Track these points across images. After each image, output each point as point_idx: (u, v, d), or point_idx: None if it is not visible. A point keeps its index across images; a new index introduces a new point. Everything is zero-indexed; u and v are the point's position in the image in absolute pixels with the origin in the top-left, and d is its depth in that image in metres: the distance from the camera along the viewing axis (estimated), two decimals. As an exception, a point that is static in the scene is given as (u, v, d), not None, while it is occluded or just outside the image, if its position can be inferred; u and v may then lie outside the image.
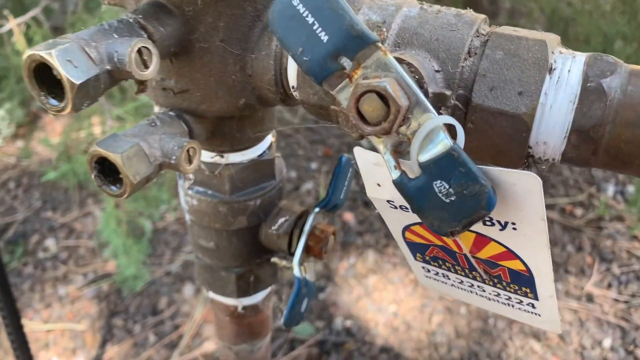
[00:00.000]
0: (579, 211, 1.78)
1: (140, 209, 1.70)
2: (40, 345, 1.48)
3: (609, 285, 1.57)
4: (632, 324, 1.47)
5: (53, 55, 0.30)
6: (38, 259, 1.73)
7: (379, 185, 0.35)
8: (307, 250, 0.49)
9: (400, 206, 0.36)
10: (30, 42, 1.88)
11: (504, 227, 0.33)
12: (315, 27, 0.30)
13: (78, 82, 0.31)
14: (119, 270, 1.58)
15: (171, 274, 1.66)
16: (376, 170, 0.34)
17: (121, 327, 1.53)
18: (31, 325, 1.53)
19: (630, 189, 1.82)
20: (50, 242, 1.78)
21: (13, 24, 1.81)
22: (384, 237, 1.71)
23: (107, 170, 0.37)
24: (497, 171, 0.30)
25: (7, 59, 1.91)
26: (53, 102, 0.32)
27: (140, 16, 0.35)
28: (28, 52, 0.31)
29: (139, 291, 1.61)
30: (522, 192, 0.30)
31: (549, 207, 1.78)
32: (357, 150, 0.34)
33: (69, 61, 0.31)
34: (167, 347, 1.47)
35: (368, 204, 1.81)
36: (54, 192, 1.95)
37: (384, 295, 1.56)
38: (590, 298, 1.54)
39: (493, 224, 0.33)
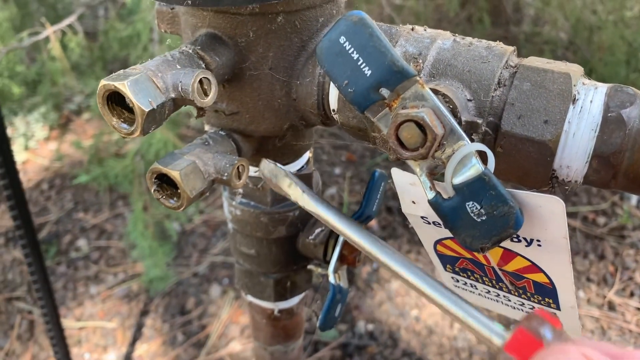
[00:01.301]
0: (601, 219, 1.78)
1: (168, 212, 1.75)
2: (73, 342, 1.54)
3: (631, 294, 1.58)
4: (654, 333, 1.48)
5: (126, 85, 0.34)
6: (70, 258, 1.79)
7: (413, 202, 0.39)
8: (341, 259, 0.52)
9: (434, 222, 0.39)
10: (65, 48, 1.95)
11: (529, 243, 0.36)
12: (359, 63, 0.34)
13: (148, 109, 0.35)
14: (146, 271, 1.63)
15: (198, 275, 1.70)
16: (412, 189, 0.38)
17: (150, 326, 1.58)
18: (65, 323, 1.59)
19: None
20: (82, 243, 1.84)
21: (50, 31, 1.88)
22: (407, 242, 1.73)
23: (165, 185, 0.41)
24: (524, 194, 0.33)
25: (44, 65, 1.98)
26: (124, 126, 0.36)
27: (199, 47, 0.39)
28: (103, 82, 0.35)
29: (168, 291, 1.66)
30: (546, 213, 0.33)
31: (571, 215, 1.78)
32: (395, 171, 0.37)
33: (140, 90, 0.35)
34: (195, 346, 1.52)
35: (391, 209, 1.84)
36: (85, 193, 2.02)
37: (406, 300, 1.59)
38: (612, 306, 1.55)
39: (520, 241, 0.36)
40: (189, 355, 1.50)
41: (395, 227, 1.78)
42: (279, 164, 0.42)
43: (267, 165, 0.42)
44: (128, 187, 1.65)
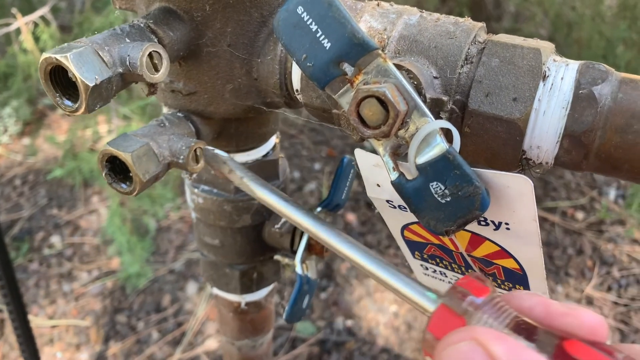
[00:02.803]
0: (580, 214, 1.79)
1: (145, 207, 1.72)
2: (44, 341, 1.50)
3: (609, 289, 1.58)
4: (631, 327, 1.48)
5: (69, 58, 0.32)
6: (43, 255, 1.75)
7: (378, 185, 0.37)
8: (308, 248, 0.50)
9: (399, 206, 0.37)
10: (37, 40, 1.90)
11: (497, 227, 0.34)
12: (318, 35, 0.32)
13: (92, 84, 0.32)
14: (123, 267, 1.60)
15: (175, 272, 1.67)
16: (376, 172, 0.36)
17: (125, 324, 1.55)
18: (36, 321, 1.55)
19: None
20: (55, 239, 1.79)
21: (21, 22, 1.83)
22: (386, 238, 1.72)
23: (117, 169, 0.38)
24: (490, 174, 0.31)
25: (15, 57, 1.93)
26: (68, 103, 0.34)
27: (151, 21, 0.37)
28: (44, 55, 0.33)
29: (143, 288, 1.62)
30: (514, 194, 0.31)
31: (550, 210, 1.79)
32: (358, 152, 0.36)
33: (83, 64, 0.32)
34: (170, 344, 1.49)
35: (371, 205, 1.82)
36: (59, 189, 1.97)
37: (385, 296, 1.57)
38: (590, 301, 1.55)
39: (487, 224, 0.34)
40: (164, 353, 1.47)
41: (374, 223, 1.76)
42: (217, 150, 0.40)
43: (207, 152, 0.40)
44: (103, 181, 1.61)
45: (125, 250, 1.59)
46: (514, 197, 0.32)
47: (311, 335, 1.49)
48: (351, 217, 1.77)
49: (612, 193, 1.85)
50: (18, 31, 1.88)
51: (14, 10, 1.86)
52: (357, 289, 1.59)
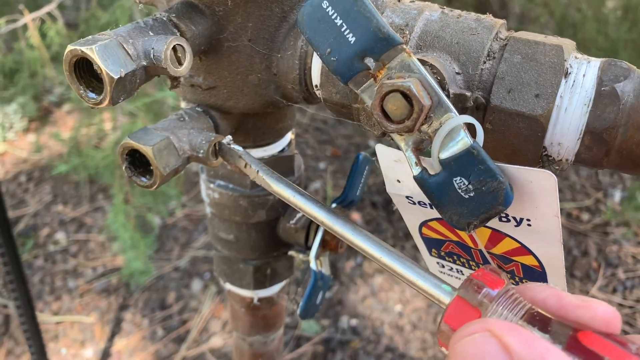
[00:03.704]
0: (585, 216, 1.79)
1: (149, 204, 1.72)
2: (49, 337, 1.50)
3: (614, 290, 1.58)
4: (636, 329, 1.48)
5: (94, 50, 0.32)
6: (48, 252, 1.75)
7: (398, 181, 0.37)
8: (323, 244, 0.50)
9: (419, 202, 0.37)
10: (44, 37, 1.91)
11: (519, 223, 0.34)
12: (343, 29, 0.32)
13: (117, 77, 0.32)
14: (126, 264, 1.60)
15: (180, 270, 1.67)
16: (397, 167, 0.36)
17: (129, 321, 1.55)
18: (41, 317, 1.55)
19: None
20: (60, 236, 1.80)
21: (28, 18, 1.83)
22: (391, 237, 1.72)
23: (137, 162, 0.38)
24: (514, 169, 0.31)
25: (21, 54, 1.94)
26: (92, 95, 0.34)
27: (174, 15, 0.37)
28: (70, 47, 0.33)
29: (148, 286, 1.63)
30: (537, 189, 0.31)
31: (555, 211, 1.79)
32: (379, 147, 0.36)
33: (109, 56, 0.33)
34: (175, 341, 1.49)
35: (375, 204, 1.82)
36: (64, 186, 1.98)
37: (390, 295, 1.57)
38: (595, 302, 1.55)
39: (509, 220, 0.34)
40: (169, 350, 1.47)
41: (379, 222, 1.77)
42: (233, 144, 0.40)
43: (223, 146, 0.40)
44: (109, 178, 1.61)
45: (129, 247, 1.59)
46: (536, 192, 0.32)
47: (316, 334, 1.49)
48: (356, 216, 1.77)
49: (617, 195, 1.85)
50: (25, 27, 1.89)
51: (20, 7, 1.86)
52: (361, 288, 1.59)
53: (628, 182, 1.89)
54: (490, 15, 0.37)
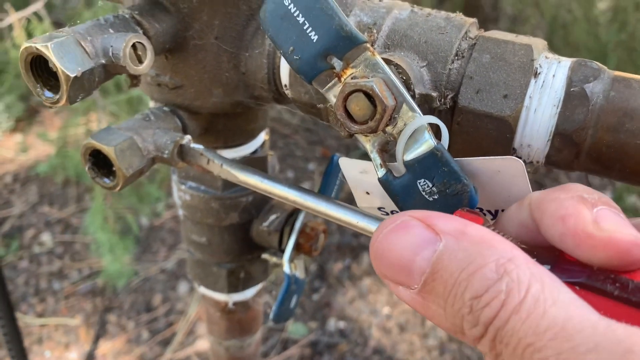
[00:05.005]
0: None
1: (130, 206, 1.70)
2: (33, 339, 1.49)
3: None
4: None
5: (50, 48, 0.31)
6: (33, 253, 1.73)
7: (367, 193, 0.36)
8: (297, 247, 0.49)
9: (392, 211, 0.36)
10: (30, 36, 1.89)
11: (495, 215, 0.33)
12: (305, 27, 0.31)
13: (73, 75, 0.31)
14: (105, 266, 1.58)
15: (166, 272, 1.66)
16: (364, 179, 0.35)
17: (115, 323, 1.54)
18: (25, 319, 1.53)
19: (632, 199, 1.83)
20: (46, 237, 1.78)
21: (14, 18, 1.82)
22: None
23: (101, 163, 0.37)
24: (479, 161, 0.30)
25: (7, 53, 1.92)
26: (48, 94, 0.33)
27: (136, 12, 0.36)
28: (25, 45, 0.32)
29: (134, 288, 1.61)
30: (507, 177, 0.31)
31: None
32: (343, 161, 0.35)
33: (65, 54, 0.32)
34: (161, 344, 1.48)
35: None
36: (51, 187, 1.96)
37: (378, 298, 1.57)
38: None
39: (485, 215, 0.33)
40: (154, 353, 1.46)
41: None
42: (193, 144, 0.39)
43: (185, 147, 0.39)
44: (90, 179, 1.59)
45: (107, 249, 1.56)
46: (507, 181, 0.31)
47: (303, 336, 1.48)
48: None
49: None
50: (11, 27, 1.87)
51: (6, 6, 1.84)
52: (349, 291, 1.59)
53: (617, 183, 1.89)
54: (461, 14, 0.36)
